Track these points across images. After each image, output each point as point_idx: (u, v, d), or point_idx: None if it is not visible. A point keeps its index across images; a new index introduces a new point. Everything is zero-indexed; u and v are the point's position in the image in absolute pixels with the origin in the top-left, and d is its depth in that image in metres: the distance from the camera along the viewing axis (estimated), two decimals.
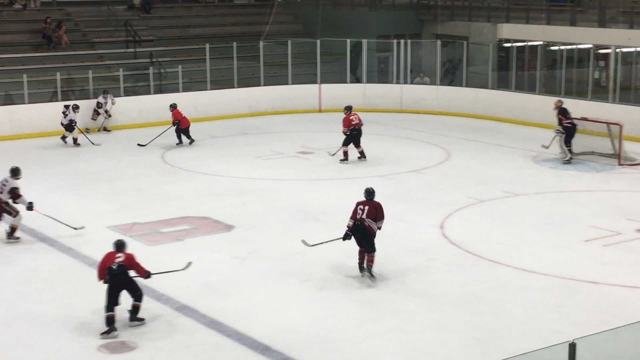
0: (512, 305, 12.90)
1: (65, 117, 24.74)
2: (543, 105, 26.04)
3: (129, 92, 28.76)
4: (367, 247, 14.03)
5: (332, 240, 14.67)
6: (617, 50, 27.95)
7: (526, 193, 19.61)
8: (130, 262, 12.29)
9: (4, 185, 16.17)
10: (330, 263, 14.81)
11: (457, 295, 13.27)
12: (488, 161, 22.83)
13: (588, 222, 17.23)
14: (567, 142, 22.55)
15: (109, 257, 12.27)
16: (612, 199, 19.11)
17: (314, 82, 31.65)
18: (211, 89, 29.95)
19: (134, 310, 12.26)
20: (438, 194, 19.43)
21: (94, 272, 12.54)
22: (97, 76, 28.40)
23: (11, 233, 16.25)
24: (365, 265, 14.04)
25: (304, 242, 14.98)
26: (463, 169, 21.80)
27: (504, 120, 28.93)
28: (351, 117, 22.53)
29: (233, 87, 30.46)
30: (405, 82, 31.74)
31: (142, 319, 12.26)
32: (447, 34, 33.60)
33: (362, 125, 22.53)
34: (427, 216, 17.71)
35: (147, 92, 28.87)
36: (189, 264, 13.49)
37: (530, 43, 30.71)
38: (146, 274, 12.51)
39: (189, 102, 28.49)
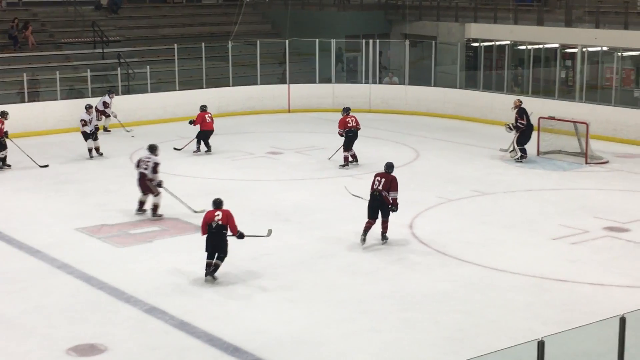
0: (482, 304, 12.96)
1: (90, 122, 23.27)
2: (511, 105, 26.15)
3: (96, 93, 28.57)
4: (383, 215, 15.81)
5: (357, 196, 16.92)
6: (584, 49, 28.20)
7: (495, 192, 19.72)
8: (228, 219, 13.97)
9: (148, 161, 17.65)
10: (301, 263, 14.82)
11: (427, 294, 13.32)
12: (457, 160, 22.93)
13: (556, 220, 17.36)
14: (521, 142, 22.70)
15: (210, 215, 13.95)
16: (579, 198, 19.27)
17: (283, 82, 31.65)
18: (180, 90, 29.84)
19: (215, 268, 13.87)
20: (407, 193, 19.45)
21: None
22: (64, 77, 28.19)
23: (155, 210, 17.72)
24: (381, 230, 15.87)
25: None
26: (432, 168, 21.89)
27: (473, 119, 29.10)
28: (347, 119, 22.12)
29: (202, 87, 30.38)
30: (374, 82, 31.83)
31: (216, 278, 13.82)
32: (416, 34, 33.73)
33: (358, 128, 22.10)
34: (396, 215, 17.73)
35: (115, 93, 28.69)
36: (270, 231, 14.85)
37: (497, 43, 30.90)
38: (238, 234, 14.13)
39: (158, 103, 28.41)
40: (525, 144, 22.73)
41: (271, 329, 12.06)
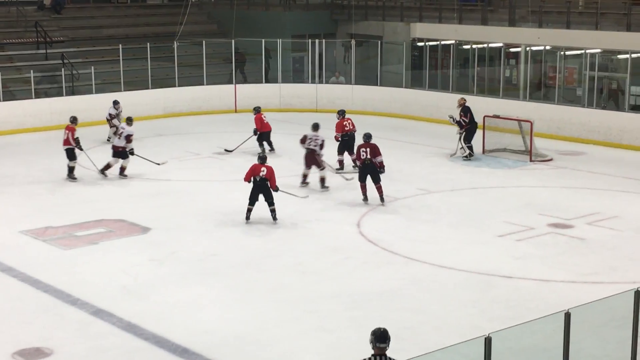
0: (429, 302, 13.05)
1: (120, 135, 21.13)
2: (456, 104, 26.38)
3: (40, 94, 28.22)
4: (375, 180, 18.25)
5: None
6: (527, 48, 28.55)
7: (441, 190, 19.86)
8: (270, 175, 16.86)
9: (317, 138, 19.69)
10: (248, 264, 14.79)
11: (375, 292, 13.37)
12: (403, 159, 23.04)
13: (501, 217, 17.54)
14: (467, 139, 22.93)
15: (256, 168, 16.91)
16: (524, 195, 19.49)
17: (230, 82, 31.57)
18: (125, 90, 29.55)
19: (272, 212, 17.00)
20: (354, 193, 19.52)
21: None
22: (7, 78, 27.80)
23: (323, 182, 19.66)
24: (379, 195, 18.34)
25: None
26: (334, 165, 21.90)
27: (418, 118, 29.28)
28: (344, 122, 21.74)
29: (147, 88, 30.15)
30: (321, 82, 31.88)
31: (276, 218, 16.96)
32: (361, 34, 33.84)
33: (355, 131, 21.63)
34: (344, 215, 17.80)
35: (60, 94, 28.36)
36: (307, 196, 17.75)
37: (442, 42, 31.12)
38: (276, 188, 16.95)
39: (103, 103, 28.04)
40: (471, 141, 22.93)
41: (219, 329, 12.01)
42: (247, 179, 16.97)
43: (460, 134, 23.08)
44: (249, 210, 17.05)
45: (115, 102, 25.41)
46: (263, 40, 31.62)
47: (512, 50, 29.30)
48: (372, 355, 7.93)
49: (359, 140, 21.04)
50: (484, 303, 13.00)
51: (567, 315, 7.87)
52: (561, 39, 27.64)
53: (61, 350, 11.36)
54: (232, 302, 13.09)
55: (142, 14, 36.57)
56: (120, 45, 29.92)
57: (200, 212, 17.98)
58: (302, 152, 19.98)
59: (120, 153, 20.84)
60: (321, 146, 19.74)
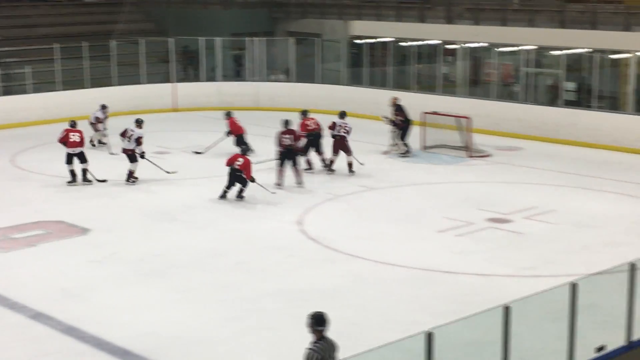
0: (372, 298, 13.14)
1: (129, 140, 20.30)
2: (389, 102, 26.55)
3: None
4: (294, 164, 19.60)
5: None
6: (464, 45, 28.85)
7: (381, 187, 19.98)
8: (245, 167, 18.30)
9: (346, 125, 21.17)
10: (191, 263, 14.73)
11: (318, 290, 13.42)
12: (344, 156, 23.07)
13: (441, 213, 17.71)
14: (403, 137, 23.11)
15: (234, 157, 18.53)
16: (463, 190, 19.70)
17: (168, 81, 31.36)
18: (62, 90, 29.18)
19: (240, 192, 18.48)
20: (296, 191, 19.57)
21: None
22: None
23: (350, 166, 20.99)
24: (296, 177, 19.66)
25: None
26: (319, 164, 21.99)
27: (358, 115, 29.34)
28: (307, 122, 21.60)
29: (84, 87, 29.79)
30: (261, 80, 31.83)
31: (243, 197, 18.50)
32: (300, 32, 33.86)
33: (319, 129, 21.48)
34: (286, 213, 17.82)
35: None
36: (275, 192, 18.92)
37: (381, 40, 31.29)
38: (251, 178, 18.41)
39: (39, 103, 27.75)
40: (406, 138, 23.10)
41: (162, 330, 11.94)
42: (227, 165, 18.50)
43: (394, 132, 23.24)
44: (224, 192, 18.55)
45: (104, 107, 24.67)
46: (201, 38, 31.43)
47: (449, 47, 29.58)
48: (313, 340, 8.22)
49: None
50: (425, 298, 13.12)
51: (507, 309, 7.98)
52: (497, 36, 28.00)
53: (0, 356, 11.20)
54: (174, 303, 13.03)
55: (79, 12, 36.12)
56: (56, 44, 29.51)
57: (141, 212, 17.85)
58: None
59: (130, 156, 20.20)
60: (348, 132, 21.17)
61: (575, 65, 26.71)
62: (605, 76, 26.08)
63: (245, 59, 32.59)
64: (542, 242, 15.88)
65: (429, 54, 30.48)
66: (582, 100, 26.40)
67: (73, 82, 29.82)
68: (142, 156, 20.28)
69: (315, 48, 31.54)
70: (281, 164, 19.84)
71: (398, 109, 23.05)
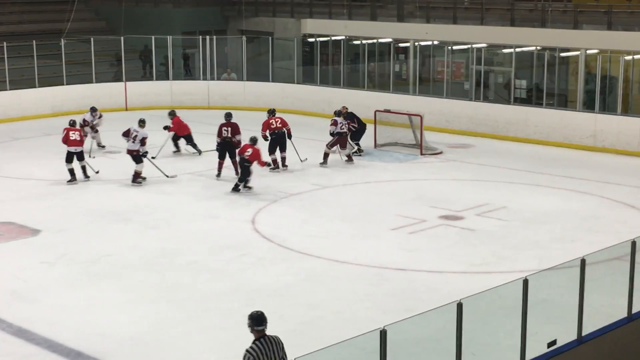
0: (325, 296, 13.15)
1: (133, 140, 20.03)
2: (348, 99, 26.64)
3: None
4: (231, 156, 20.25)
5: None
6: (416, 43, 28.99)
7: (334, 185, 20.01)
8: (254, 157, 18.78)
9: (342, 124, 21.71)
10: (143, 263, 14.62)
11: (271, 289, 13.40)
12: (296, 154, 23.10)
13: (394, 211, 17.78)
14: (355, 138, 23.12)
15: (244, 147, 18.98)
16: (415, 188, 19.79)
17: (119, 80, 31.10)
18: (11, 89, 28.80)
19: (245, 183, 19.08)
20: (249, 190, 19.51)
21: None
22: None
23: (350, 158, 22.02)
24: (234, 168, 20.14)
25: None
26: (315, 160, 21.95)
27: (311, 114, 29.39)
28: (271, 121, 21.48)
29: (34, 86, 29.42)
30: (212, 79, 31.71)
31: (250, 187, 19.19)
32: (252, 30, 33.80)
33: (283, 129, 21.37)
34: (238, 212, 17.77)
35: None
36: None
37: (333, 38, 31.34)
38: (267, 163, 19.65)
39: None
40: (359, 140, 23.14)
41: (114, 331, 11.84)
42: (239, 154, 19.20)
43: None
44: (237, 185, 19.15)
45: (94, 110, 23.84)
46: (153, 37, 31.22)
47: (401, 45, 29.73)
48: (254, 340, 8.26)
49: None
50: (379, 296, 13.16)
51: (460, 306, 8.03)
52: (448, 34, 28.19)
53: None
54: (127, 303, 12.92)
55: (27, 11, 35.64)
56: (4, 43, 29.11)
57: (92, 213, 17.68)
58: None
59: (135, 157, 19.94)
60: (349, 129, 22.19)
61: (525, 63, 26.97)
62: (555, 74, 26.37)
63: (197, 57, 32.42)
64: (493, 239, 16.02)
65: (380, 52, 30.59)
66: (532, 97, 26.68)
67: (22, 82, 29.45)
68: (145, 155, 20.04)
69: (268, 46, 31.48)
70: (221, 157, 20.27)
71: (350, 116, 23.05)
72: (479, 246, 15.61)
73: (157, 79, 31.73)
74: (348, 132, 22.18)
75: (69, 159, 20.01)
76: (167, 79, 31.63)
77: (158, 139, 22.56)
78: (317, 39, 31.56)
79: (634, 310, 9.82)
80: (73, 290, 13.44)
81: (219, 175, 20.30)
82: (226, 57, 33.26)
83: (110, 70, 31.78)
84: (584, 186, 19.89)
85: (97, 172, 20.63)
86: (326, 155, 21.88)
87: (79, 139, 20.08)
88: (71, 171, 20.04)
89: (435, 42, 28.69)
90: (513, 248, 15.48)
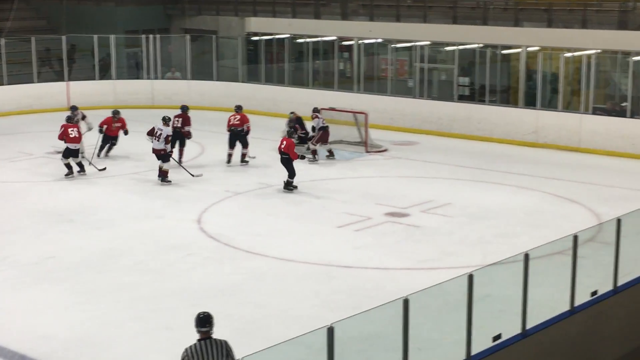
0: (272, 295, 13.15)
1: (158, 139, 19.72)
2: (293, 97, 26.66)
3: None
4: (181, 144, 21.30)
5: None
6: (360, 42, 29.09)
7: (280, 184, 19.98)
8: (289, 149, 18.97)
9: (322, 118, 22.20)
10: (87, 265, 14.48)
11: (218, 288, 13.36)
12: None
13: (340, 208, 17.83)
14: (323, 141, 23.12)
15: (281, 141, 19.35)
16: (361, 186, 19.88)
17: (61, 79, 30.73)
18: None
19: (288, 183, 19.16)
20: (194, 189, 19.44)
21: None
22: None
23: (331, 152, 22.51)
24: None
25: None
26: (218, 162, 21.90)
27: (256, 112, 29.27)
28: (231, 117, 21.92)
29: None
30: (156, 78, 31.49)
31: (295, 187, 19.21)
32: (196, 29, 33.63)
33: (240, 126, 21.67)
34: (183, 211, 17.68)
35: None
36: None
37: (277, 36, 31.32)
38: (299, 156, 19.34)
39: None
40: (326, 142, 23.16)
41: (59, 333, 11.71)
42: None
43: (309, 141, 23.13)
44: (288, 183, 19.29)
45: (74, 109, 22.45)
46: (95, 36, 30.90)
47: (345, 43, 29.80)
48: (197, 340, 8.31)
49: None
50: (326, 294, 13.20)
51: (406, 302, 8.09)
52: (392, 32, 28.34)
53: None
54: (72, 305, 12.79)
55: None
56: None
57: (35, 214, 17.46)
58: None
59: (162, 156, 19.72)
60: (299, 136, 22.22)
61: (468, 60, 27.23)
62: (497, 71, 26.65)
63: (141, 56, 32.16)
64: (439, 235, 16.15)
65: (325, 50, 30.65)
66: (475, 95, 26.94)
67: None
68: (170, 154, 20.02)
69: (212, 45, 31.35)
70: (172, 146, 20.33)
71: (299, 121, 23.03)
72: (424, 242, 15.73)
73: (100, 78, 31.40)
74: (327, 128, 22.36)
75: (66, 154, 20.16)
76: (110, 78, 31.33)
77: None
78: (262, 38, 31.52)
79: (576, 303, 9.98)
80: (17, 293, 13.26)
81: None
82: (170, 56, 33.05)
83: (51, 70, 31.35)
84: (526, 182, 20.15)
85: (104, 169, 20.96)
86: (314, 152, 22.18)
87: (77, 135, 20.12)
88: (67, 165, 20.18)
89: (379, 40, 28.81)
90: (458, 244, 15.63)
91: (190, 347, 8.27)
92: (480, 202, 18.41)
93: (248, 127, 21.91)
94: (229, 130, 21.81)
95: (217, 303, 12.71)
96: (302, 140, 22.82)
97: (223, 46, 32.18)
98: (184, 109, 21.86)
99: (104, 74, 31.65)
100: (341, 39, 29.62)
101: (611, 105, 24.43)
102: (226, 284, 13.58)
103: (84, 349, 11.28)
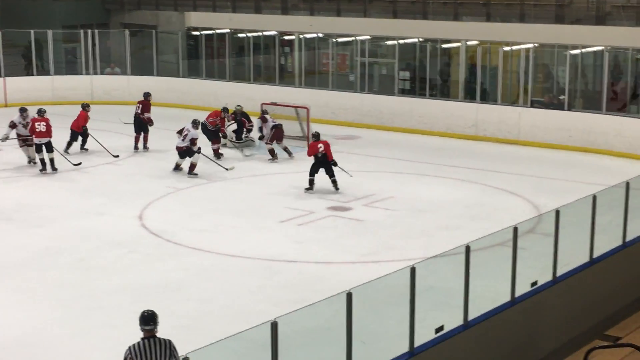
0: (215, 291, 13.11)
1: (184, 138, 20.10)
2: (234, 92, 26.56)
3: None
4: (145, 131, 22.70)
5: None
6: (301, 36, 29.10)
7: (222, 179, 19.93)
8: (327, 150, 18.65)
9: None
10: (28, 263, 14.29)
11: (160, 285, 13.28)
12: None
13: (282, 203, 17.84)
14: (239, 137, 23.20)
15: (313, 146, 18.72)
16: (303, 180, 19.86)
17: None
18: None
19: (334, 182, 18.66)
20: (135, 185, 19.30)
21: None
22: None
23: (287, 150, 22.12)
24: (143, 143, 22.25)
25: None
26: (158, 158, 21.73)
27: (197, 107, 29.11)
28: (209, 117, 22.38)
29: None
30: (95, 73, 31.15)
31: (338, 187, 18.63)
32: (135, 23, 33.32)
33: (214, 124, 22.11)
34: (125, 208, 17.53)
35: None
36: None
37: (218, 31, 31.19)
38: (332, 162, 18.70)
39: None
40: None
41: None
42: (309, 154, 18.92)
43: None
44: (311, 182, 18.68)
45: (23, 110, 20.87)
46: (32, 31, 30.44)
47: (286, 38, 29.79)
48: (141, 338, 8.24)
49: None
50: (269, 288, 13.20)
51: (349, 295, 8.12)
52: (332, 26, 28.40)
53: None
54: (11, 304, 12.61)
55: None
56: None
57: None
58: None
59: (186, 152, 19.89)
60: (247, 129, 23.08)
61: (408, 54, 27.39)
62: (437, 65, 26.86)
63: (79, 51, 31.75)
64: (381, 228, 16.25)
65: (266, 45, 30.60)
66: (415, 88, 27.12)
67: None
68: (199, 152, 20.02)
69: (151, 40, 31.09)
70: (135, 131, 22.18)
71: (244, 115, 23.03)
72: (367, 236, 15.81)
73: (37, 74, 30.95)
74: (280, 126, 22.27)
75: (37, 149, 19.97)
76: (49, 74, 30.91)
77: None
78: (202, 32, 31.36)
79: (516, 294, 10.11)
80: None
81: (137, 149, 22.64)
82: (109, 51, 32.70)
83: None
84: (467, 175, 20.35)
85: (79, 164, 20.77)
86: (272, 151, 21.94)
87: (44, 130, 19.83)
88: (42, 161, 20.00)
89: (320, 35, 28.86)
90: (400, 237, 15.74)
91: (134, 345, 8.20)
92: (422, 195, 18.55)
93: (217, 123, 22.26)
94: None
95: (159, 300, 12.63)
96: (238, 134, 22.85)
97: (163, 41, 31.94)
98: (146, 95, 23.04)
99: (30, 69, 31.23)
100: (282, 33, 29.60)
101: (549, 98, 24.78)
102: (169, 280, 13.51)
103: (25, 348, 11.13)
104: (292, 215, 16.99)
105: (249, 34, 30.26)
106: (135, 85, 30.48)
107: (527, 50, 24.65)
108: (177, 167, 20.30)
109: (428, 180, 20.00)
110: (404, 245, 15.20)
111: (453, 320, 9.45)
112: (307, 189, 18.69)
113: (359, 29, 27.71)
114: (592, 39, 23.82)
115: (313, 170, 18.75)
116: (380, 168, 21.13)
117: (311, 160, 18.82)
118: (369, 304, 9.44)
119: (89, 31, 31.11)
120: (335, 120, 26.63)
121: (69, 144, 22.07)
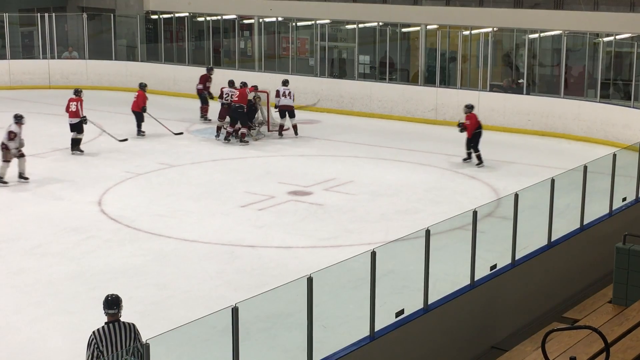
0: (175, 276, 13.03)
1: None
2: (193, 76, 26.37)
3: None
4: (242, 123, 21.70)
5: None
6: (260, 20, 28.96)
7: (181, 164, 19.82)
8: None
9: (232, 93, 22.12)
10: None
11: (119, 270, 13.17)
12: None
13: (242, 188, 17.77)
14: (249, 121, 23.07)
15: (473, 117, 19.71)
16: (263, 164, 19.84)
17: None
18: None
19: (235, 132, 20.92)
20: (94, 170, 19.11)
21: None
22: None
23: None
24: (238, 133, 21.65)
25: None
26: (117, 143, 21.51)
27: (156, 92, 28.85)
28: (226, 90, 22.58)
29: None
30: (53, 57, 30.77)
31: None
32: (93, 7, 32.94)
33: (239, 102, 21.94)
34: (83, 193, 17.36)
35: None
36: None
37: (177, 15, 30.94)
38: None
39: None
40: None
41: None
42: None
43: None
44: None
45: (17, 117, 18.33)
46: None
47: (245, 22, 29.64)
48: (105, 322, 8.28)
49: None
50: (229, 273, 13.15)
51: (310, 280, 8.10)
52: (292, 10, 28.29)
53: None
54: None
55: None
56: None
57: None
58: None
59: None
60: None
61: (368, 38, 27.38)
62: (397, 49, 26.88)
63: (36, 35, 31.33)
64: (341, 213, 16.24)
65: (225, 28, 30.41)
66: (375, 73, 27.12)
67: None
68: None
69: (110, 24, 30.77)
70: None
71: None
72: (327, 220, 15.80)
73: None
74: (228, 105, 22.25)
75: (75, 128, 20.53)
76: (5, 58, 30.48)
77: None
78: (161, 16, 31.09)
79: (476, 278, 10.15)
80: None
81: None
82: (67, 34, 32.31)
83: None
84: (426, 159, 20.41)
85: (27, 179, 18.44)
86: (219, 129, 22.26)
87: (74, 110, 20.34)
88: (73, 141, 20.54)
89: (280, 19, 28.74)
90: (360, 221, 15.75)
91: (98, 329, 8.16)
92: (382, 179, 18.58)
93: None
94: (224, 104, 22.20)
95: (118, 285, 12.49)
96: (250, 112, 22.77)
97: (121, 25, 31.62)
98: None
99: None
100: (241, 17, 29.43)
101: (507, 82, 24.91)
102: (128, 265, 13.40)
103: None
104: (252, 200, 16.93)
105: (209, 18, 30.05)
106: (93, 69, 30.20)
107: (486, 34, 24.74)
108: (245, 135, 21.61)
109: (387, 164, 20.03)
110: (364, 229, 15.21)
111: (413, 304, 9.46)
112: (478, 164, 19.68)
113: (319, 12, 27.64)
114: (551, 23, 23.97)
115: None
116: (340, 152, 21.12)
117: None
118: (330, 288, 9.43)
119: (46, 14, 30.69)
120: (295, 105, 26.52)
121: (139, 125, 22.62)
